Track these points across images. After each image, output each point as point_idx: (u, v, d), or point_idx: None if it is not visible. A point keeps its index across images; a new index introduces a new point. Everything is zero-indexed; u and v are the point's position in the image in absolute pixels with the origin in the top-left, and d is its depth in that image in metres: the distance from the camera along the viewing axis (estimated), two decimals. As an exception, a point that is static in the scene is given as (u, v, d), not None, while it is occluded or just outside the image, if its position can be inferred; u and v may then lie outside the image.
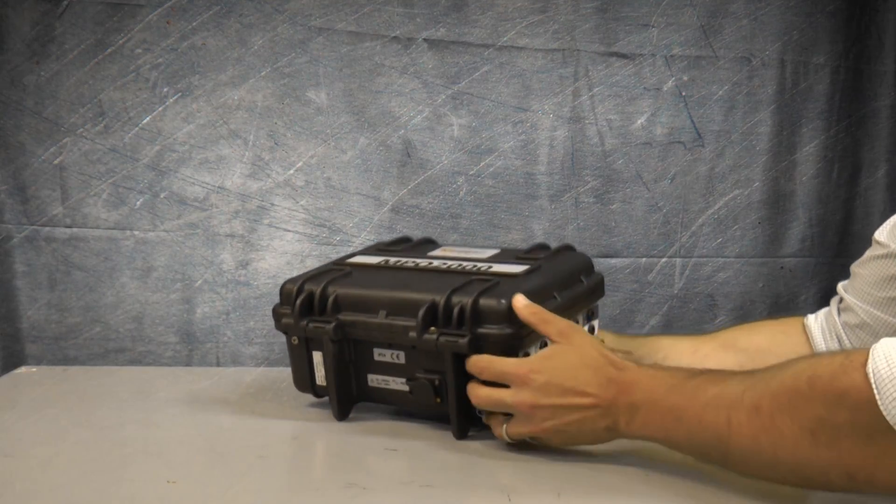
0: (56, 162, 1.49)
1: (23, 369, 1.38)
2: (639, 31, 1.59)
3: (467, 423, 1.02)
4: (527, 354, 1.00)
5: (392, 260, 1.16)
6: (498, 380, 0.96)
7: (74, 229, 1.50)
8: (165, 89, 1.51)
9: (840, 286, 1.19)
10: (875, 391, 0.73)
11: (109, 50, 1.49)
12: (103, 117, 1.50)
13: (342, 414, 1.09)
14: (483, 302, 1.00)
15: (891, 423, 0.73)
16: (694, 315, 1.65)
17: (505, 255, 1.16)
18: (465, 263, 1.13)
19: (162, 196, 1.52)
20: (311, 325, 1.06)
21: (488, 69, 1.57)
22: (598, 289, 1.16)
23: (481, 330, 0.99)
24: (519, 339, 0.99)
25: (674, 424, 0.88)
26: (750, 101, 1.62)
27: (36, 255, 1.49)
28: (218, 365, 1.54)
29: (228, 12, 1.51)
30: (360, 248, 1.28)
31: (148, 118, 1.51)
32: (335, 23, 1.53)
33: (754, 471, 0.84)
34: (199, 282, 1.53)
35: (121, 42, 1.49)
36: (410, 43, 1.55)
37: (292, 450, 1.00)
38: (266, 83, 1.53)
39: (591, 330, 1.15)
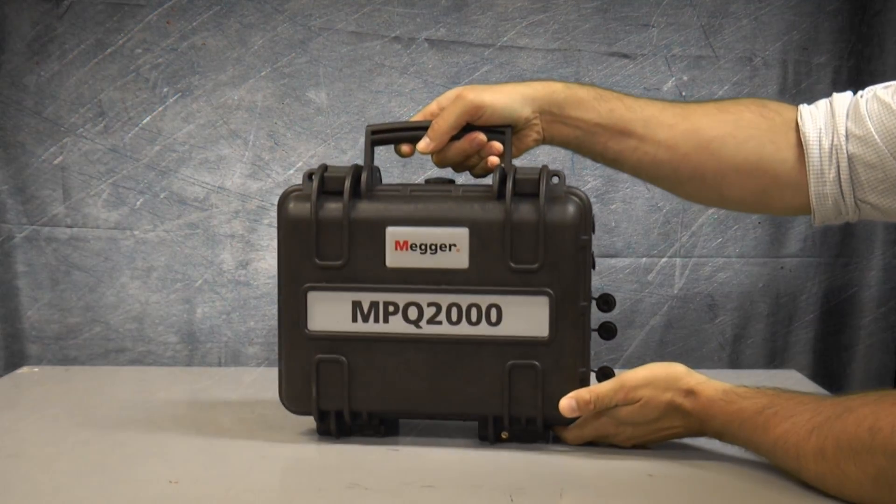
0: (56, 162, 1.49)
1: (24, 369, 1.38)
2: (639, 31, 1.59)
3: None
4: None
5: (364, 302, 0.98)
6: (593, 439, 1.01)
7: (75, 229, 1.50)
8: (165, 89, 1.51)
9: (863, 108, 1.01)
10: None
11: (109, 50, 1.49)
12: (103, 117, 1.50)
13: None
14: (550, 415, 0.98)
15: None
16: (694, 315, 1.64)
17: (494, 263, 0.96)
18: (453, 301, 0.97)
19: (162, 196, 1.52)
20: (357, 434, 1.02)
21: (488, 69, 1.56)
22: (591, 222, 0.98)
23: (557, 430, 1.01)
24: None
25: (754, 450, 0.92)
26: (750, 101, 1.62)
27: (37, 254, 1.49)
28: (218, 365, 1.54)
29: (228, 12, 1.51)
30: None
31: (148, 118, 1.51)
32: (335, 23, 1.53)
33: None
34: (199, 282, 1.53)
35: (121, 42, 1.49)
36: (411, 43, 1.55)
37: (293, 450, 1.00)
38: (266, 83, 1.53)
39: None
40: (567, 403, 0.96)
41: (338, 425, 1.00)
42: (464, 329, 0.97)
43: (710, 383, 0.95)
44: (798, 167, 1.03)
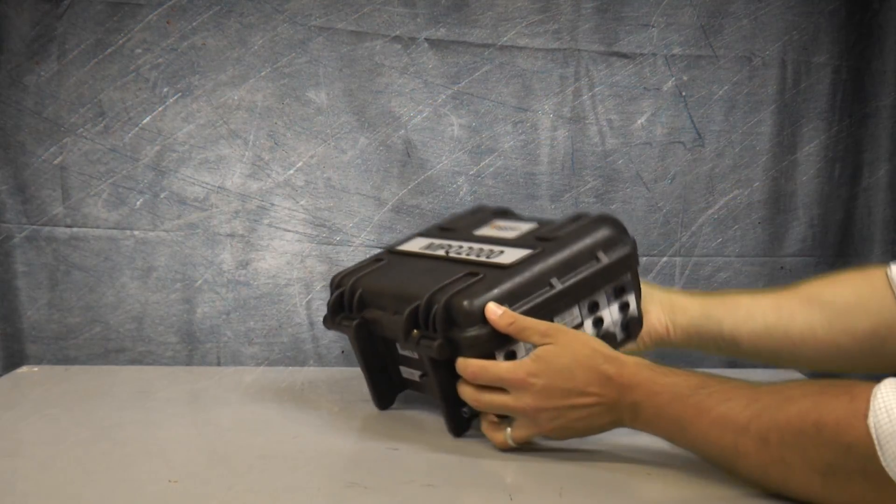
0: (56, 162, 1.49)
1: (24, 369, 1.38)
2: (639, 31, 1.59)
3: (461, 420, 1.03)
4: (512, 353, 1.00)
5: (435, 243, 1.17)
6: (493, 384, 0.96)
7: (74, 229, 1.50)
8: (165, 89, 1.51)
9: None
10: (877, 447, 0.74)
11: (109, 50, 1.49)
12: (103, 117, 1.50)
13: (380, 403, 1.15)
14: (454, 304, 0.98)
15: (893, 479, 0.73)
16: (694, 315, 1.64)
17: (529, 235, 1.12)
18: (481, 247, 1.11)
19: (162, 196, 1.52)
20: (341, 322, 1.11)
21: (489, 69, 1.56)
22: (622, 264, 1.07)
23: (453, 333, 0.98)
24: (496, 340, 0.98)
25: (678, 433, 0.89)
26: (750, 101, 1.62)
27: (36, 254, 1.49)
28: (218, 365, 1.54)
29: (228, 12, 1.51)
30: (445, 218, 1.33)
31: (148, 118, 1.51)
32: (335, 22, 1.53)
33: (762, 487, 0.85)
34: (199, 282, 1.53)
35: (121, 42, 1.49)
36: (411, 43, 1.55)
37: (293, 449, 1.00)
38: (266, 83, 1.53)
39: (624, 308, 1.09)
40: (493, 306, 0.97)
41: (335, 305, 1.12)
42: (462, 256, 1.10)
43: (635, 356, 0.94)
44: (892, 305, 1.09)
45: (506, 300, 0.99)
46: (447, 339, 0.98)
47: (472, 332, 0.97)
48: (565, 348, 0.95)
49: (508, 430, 0.97)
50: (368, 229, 1.56)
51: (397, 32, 1.54)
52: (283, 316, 1.55)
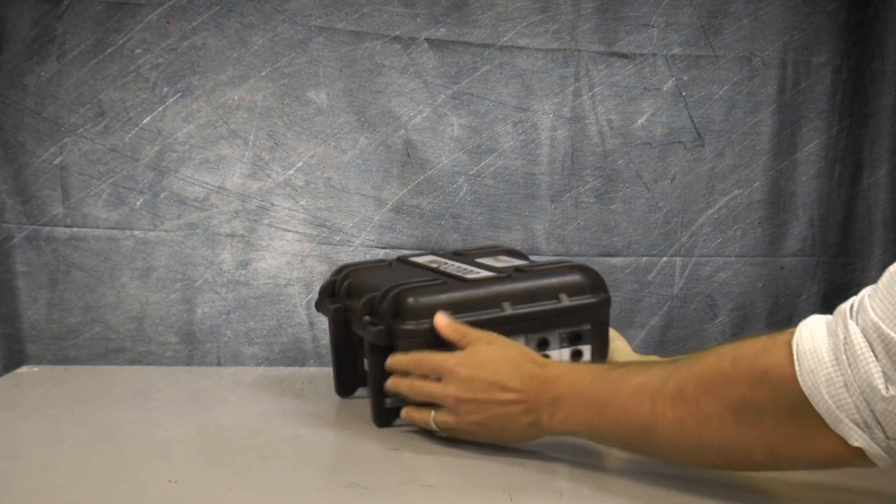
0: (56, 162, 1.49)
1: (24, 369, 1.38)
2: (639, 31, 1.59)
3: (387, 411, 1.06)
4: None
5: (439, 260, 1.22)
6: (428, 374, 1.00)
7: (74, 229, 1.50)
8: (165, 89, 1.51)
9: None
10: (796, 363, 0.74)
11: (109, 50, 1.49)
12: (103, 117, 1.50)
13: (341, 390, 1.19)
14: (401, 298, 1.03)
15: (807, 394, 0.73)
16: (694, 315, 1.65)
17: (512, 268, 1.14)
18: (466, 266, 1.16)
19: (162, 196, 1.52)
20: (326, 305, 1.16)
21: (489, 69, 1.56)
22: (583, 311, 1.08)
23: (394, 324, 1.03)
24: (430, 339, 1.01)
25: (597, 416, 0.88)
26: (750, 101, 1.62)
27: (36, 255, 1.49)
28: (218, 365, 1.54)
29: (228, 12, 1.51)
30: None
31: (148, 118, 1.51)
32: (335, 22, 1.53)
33: (679, 457, 0.85)
34: (199, 282, 1.53)
35: (121, 42, 1.49)
36: (411, 43, 1.55)
37: (293, 450, 1.00)
38: (266, 83, 1.53)
39: (577, 356, 1.08)
40: (443, 313, 1.01)
41: (325, 290, 1.20)
42: (443, 269, 1.15)
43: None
44: None
45: (452, 307, 1.03)
46: (388, 327, 1.03)
47: (410, 325, 1.02)
48: (496, 347, 0.98)
49: (433, 412, 0.99)
50: (368, 229, 1.56)
51: (397, 32, 1.54)
52: (283, 316, 1.55)
